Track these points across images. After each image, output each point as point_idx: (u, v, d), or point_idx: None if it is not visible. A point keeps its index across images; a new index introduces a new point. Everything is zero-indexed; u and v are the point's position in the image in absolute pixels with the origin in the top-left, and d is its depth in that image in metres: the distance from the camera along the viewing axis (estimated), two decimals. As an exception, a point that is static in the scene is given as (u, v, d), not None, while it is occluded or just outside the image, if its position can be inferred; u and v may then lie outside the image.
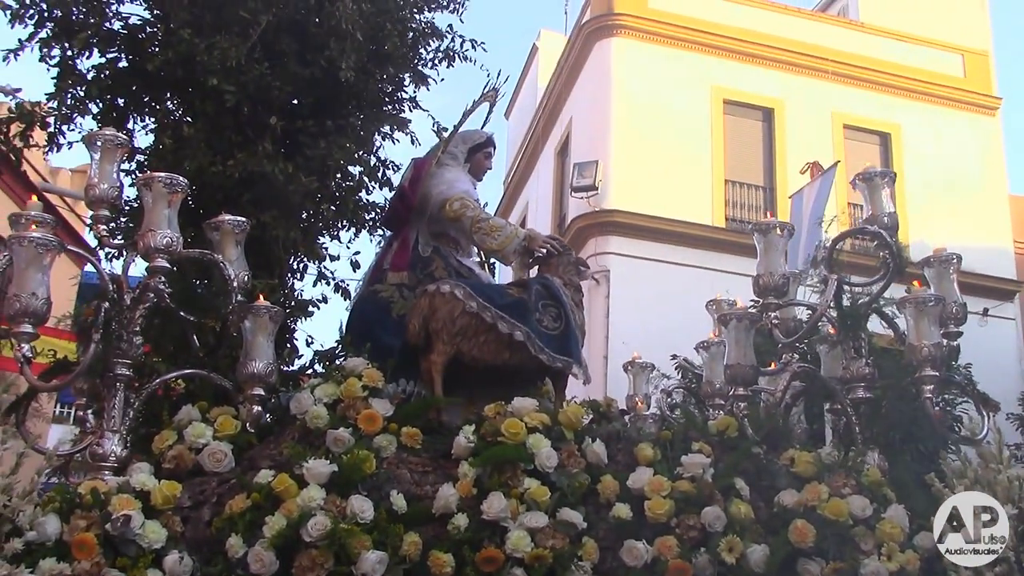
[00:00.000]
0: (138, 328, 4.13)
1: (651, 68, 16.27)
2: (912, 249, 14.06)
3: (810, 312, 5.23)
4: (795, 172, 15.29)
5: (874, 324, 5.11)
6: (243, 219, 4.73)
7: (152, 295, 4.10)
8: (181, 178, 4.18)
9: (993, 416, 4.75)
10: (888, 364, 6.10)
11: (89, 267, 4.53)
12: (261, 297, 4.33)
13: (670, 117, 15.94)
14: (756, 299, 5.17)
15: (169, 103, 6.44)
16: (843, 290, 5.09)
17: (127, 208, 6.01)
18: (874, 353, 5.09)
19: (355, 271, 6.92)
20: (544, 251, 5.15)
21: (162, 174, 4.18)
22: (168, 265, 4.06)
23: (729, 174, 16.20)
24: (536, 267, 5.24)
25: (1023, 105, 51.86)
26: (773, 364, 5.77)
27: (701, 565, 3.78)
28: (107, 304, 4.03)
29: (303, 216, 6.51)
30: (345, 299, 6.72)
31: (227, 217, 4.66)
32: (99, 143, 4.29)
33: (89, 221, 4.34)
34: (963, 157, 17.25)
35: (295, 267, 6.73)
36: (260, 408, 4.12)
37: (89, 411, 4.46)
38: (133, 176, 6.06)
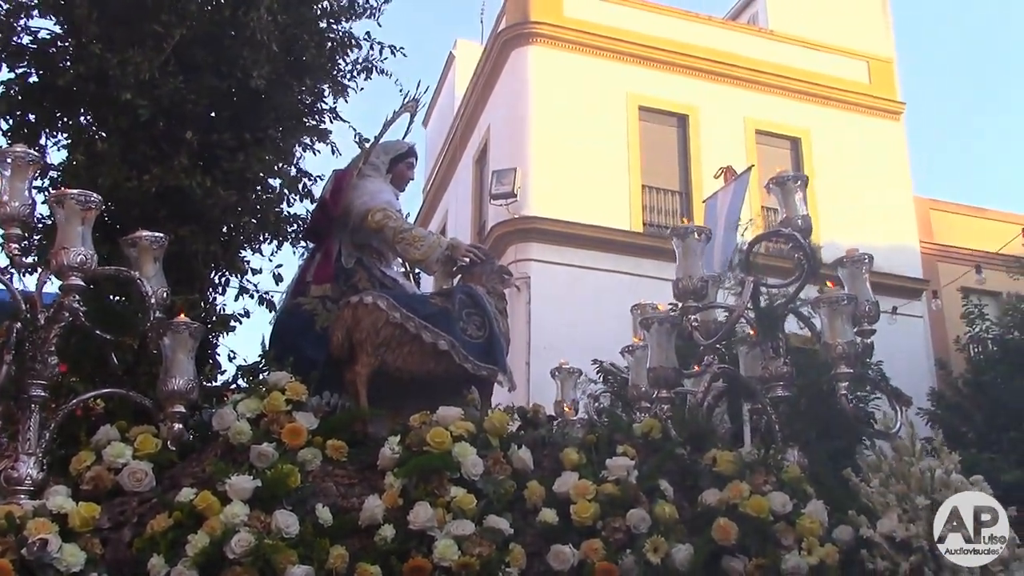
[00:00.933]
0: (53, 348, 4.04)
1: (567, 76, 16.46)
2: (823, 250, 14.45)
3: (729, 314, 5.34)
4: (710, 177, 15.63)
5: (790, 324, 5.23)
6: (161, 235, 4.65)
7: (67, 314, 4.02)
8: (94, 194, 4.11)
9: (906, 410, 4.90)
10: (803, 362, 6.26)
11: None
12: (181, 313, 4.27)
13: (587, 124, 16.14)
14: (673, 303, 5.26)
15: (82, 119, 6.30)
16: (760, 292, 5.20)
17: (40, 226, 5.87)
18: (790, 352, 5.22)
19: (278, 284, 6.85)
20: (467, 260, 5.19)
21: (75, 191, 4.11)
22: (82, 283, 3.98)
23: (646, 179, 16.48)
24: (460, 276, 5.27)
25: (926, 110, 53.56)
26: (697, 367, 5.88)
27: (627, 566, 3.83)
28: (19, 324, 3.94)
29: (223, 230, 6.41)
30: (270, 311, 6.64)
31: (144, 233, 4.59)
32: (9, 160, 4.19)
33: (-2, 239, 4.24)
34: (870, 160, 17.78)
35: (217, 281, 6.63)
36: (181, 426, 4.05)
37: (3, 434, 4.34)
38: (46, 194, 5.90)
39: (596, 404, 7.28)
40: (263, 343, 5.02)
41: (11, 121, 6.25)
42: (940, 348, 17.33)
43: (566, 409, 6.49)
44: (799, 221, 4.99)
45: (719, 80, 17.35)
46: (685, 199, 16.60)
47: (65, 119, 6.32)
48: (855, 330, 4.84)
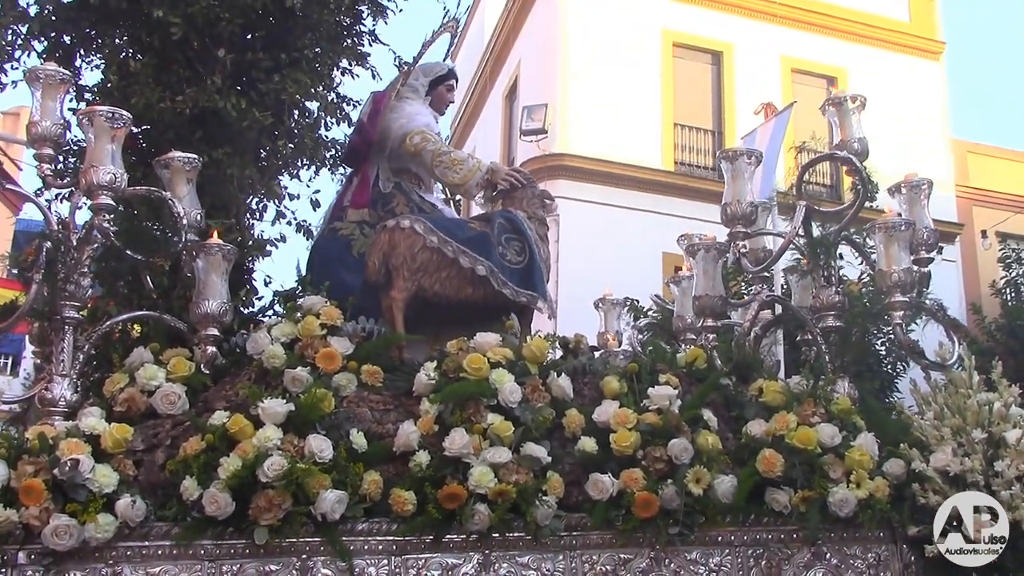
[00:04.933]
0: (86, 270, 3.98)
1: (600, 10, 16.13)
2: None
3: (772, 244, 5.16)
4: (743, 116, 15.36)
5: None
6: (193, 156, 4.57)
7: (98, 234, 3.95)
8: (124, 112, 4.00)
9: (962, 342, 4.71)
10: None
11: (24, 214, 4.38)
12: (214, 235, 4.19)
13: (620, 60, 15.88)
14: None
15: (116, 39, 6.17)
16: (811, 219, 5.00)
17: (76, 148, 5.79)
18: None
19: (315, 210, 6.73)
20: (507, 184, 5.05)
21: (104, 107, 4.01)
22: (112, 202, 3.89)
23: (678, 118, 16.22)
24: (500, 201, 5.13)
25: (967, 50, 51.94)
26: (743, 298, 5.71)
27: (668, 497, 3.73)
28: (48, 244, 3.87)
29: (260, 154, 6.29)
30: (307, 238, 6.54)
31: (176, 154, 4.52)
32: (41, 78, 4.10)
33: (24, 163, 4.17)
34: (907, 101, 17.34)
35: (254, 207, 6.53)
36: (214, 349, 3.99)
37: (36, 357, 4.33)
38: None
39: (640, 336, 7.15)
40: (299, 268, 4.93)
41: (46, 42, 6.14)
42: (972, 293, 16.97)
43: (609, 339, 6.38)
44: (855, 144, 4.77)
45: (755, 16, 16.97)
46: (718, 138, 16.34)
47: (99, 40, 6.19)
48: (912, 258, 4.63)
